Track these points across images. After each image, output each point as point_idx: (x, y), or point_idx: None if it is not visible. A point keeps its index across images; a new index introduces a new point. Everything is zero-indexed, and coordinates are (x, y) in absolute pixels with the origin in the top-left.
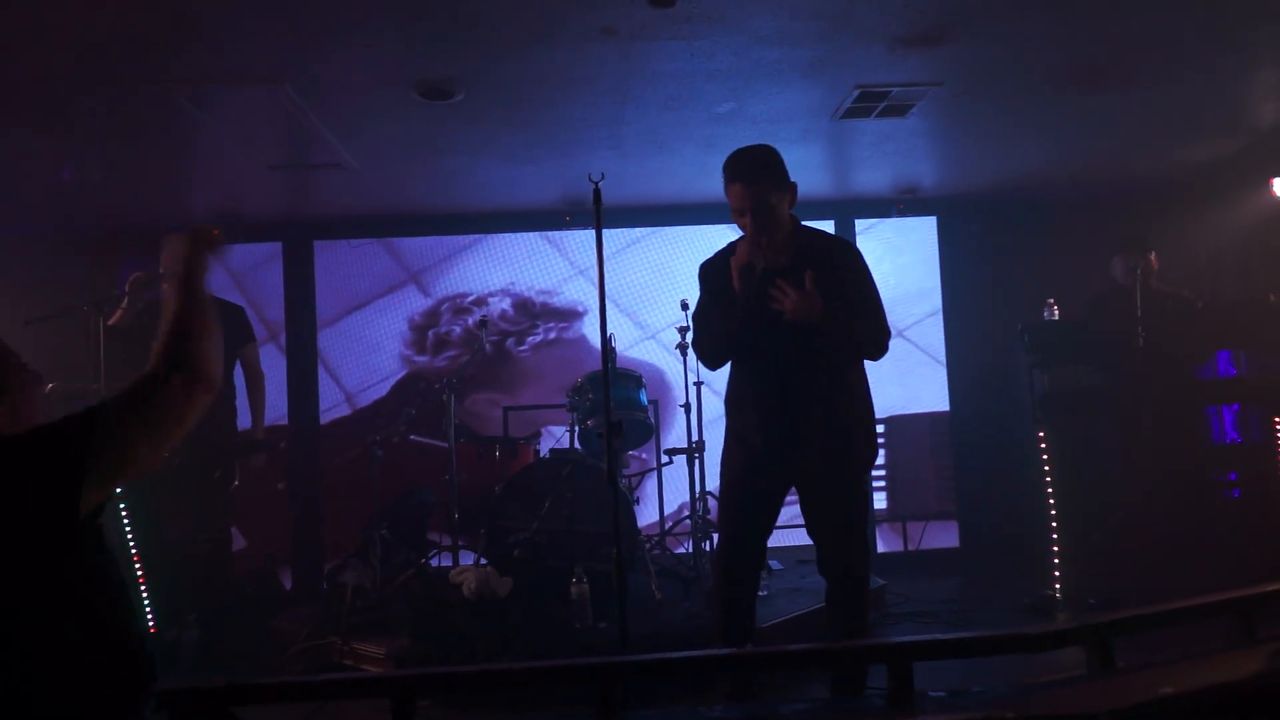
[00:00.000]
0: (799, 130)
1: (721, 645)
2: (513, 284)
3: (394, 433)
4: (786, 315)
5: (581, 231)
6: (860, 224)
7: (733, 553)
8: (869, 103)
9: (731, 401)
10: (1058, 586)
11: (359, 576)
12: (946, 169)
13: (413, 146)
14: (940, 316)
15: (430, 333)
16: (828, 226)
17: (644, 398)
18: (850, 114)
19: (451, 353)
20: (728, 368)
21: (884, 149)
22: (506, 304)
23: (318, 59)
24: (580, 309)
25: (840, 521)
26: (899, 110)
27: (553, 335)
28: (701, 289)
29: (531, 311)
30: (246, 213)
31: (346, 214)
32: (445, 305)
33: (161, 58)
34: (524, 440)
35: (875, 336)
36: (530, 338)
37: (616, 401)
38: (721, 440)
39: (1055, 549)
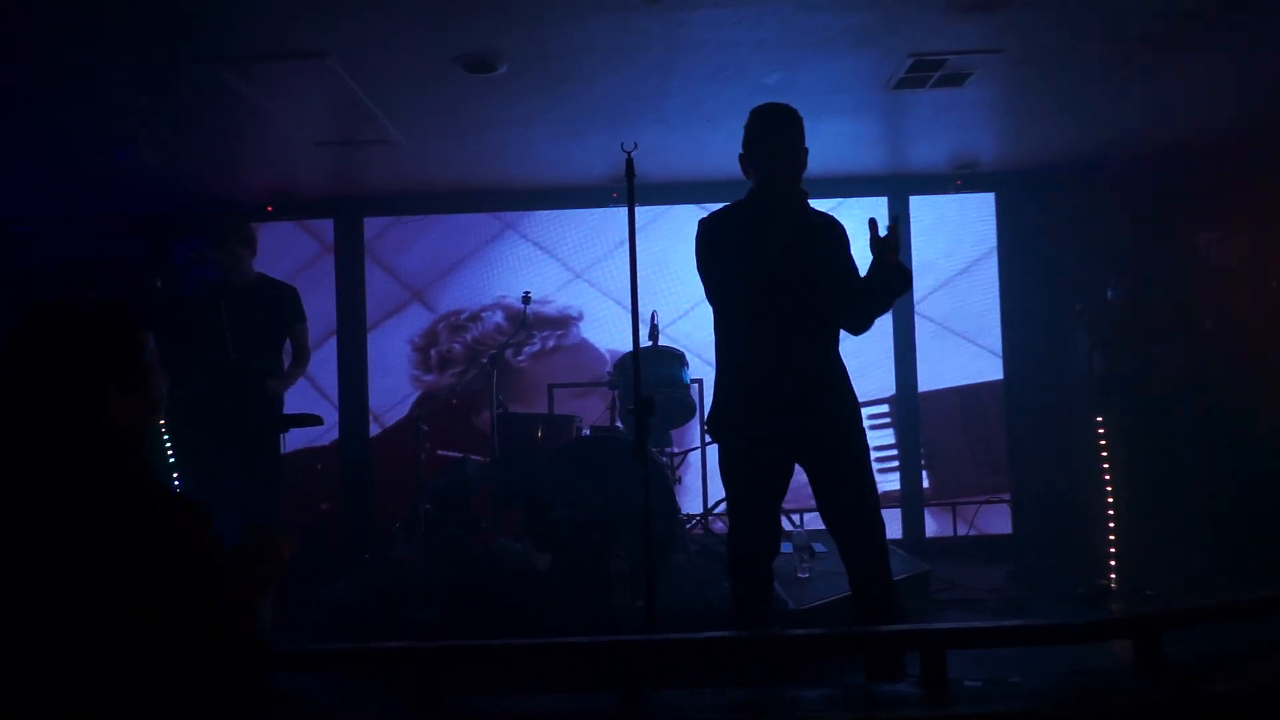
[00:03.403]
0: (851, 102)
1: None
2: (504, 296)
3: (448, 398)
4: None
5: (581, 230)
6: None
7: (751, 536)
8: (924, 72)
9: (730, 373)
10: (1113, 577)
11: (404, 549)
12: (1007, 142)
13: (458, 121)
14: (949, 289)
15: (432, 352)
16: (880, 203)
17: (687, 376)
18: (904, 84)
19: (457, 369)
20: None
21: (941, 121)
22: (499, 317)
23: (361, 32)
24: (574, 313)
25: (861, 498)
26: (955, 80)
27: (551, 344)
28: (710, 244)
29: (523, 322)
30: (298, 189)
31: (397, 190)
32: (441, 324)
33: (207, 35)
34: (566, 416)
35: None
36: (527, 348)
37: (657, 379)
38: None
39: (1111, 538)
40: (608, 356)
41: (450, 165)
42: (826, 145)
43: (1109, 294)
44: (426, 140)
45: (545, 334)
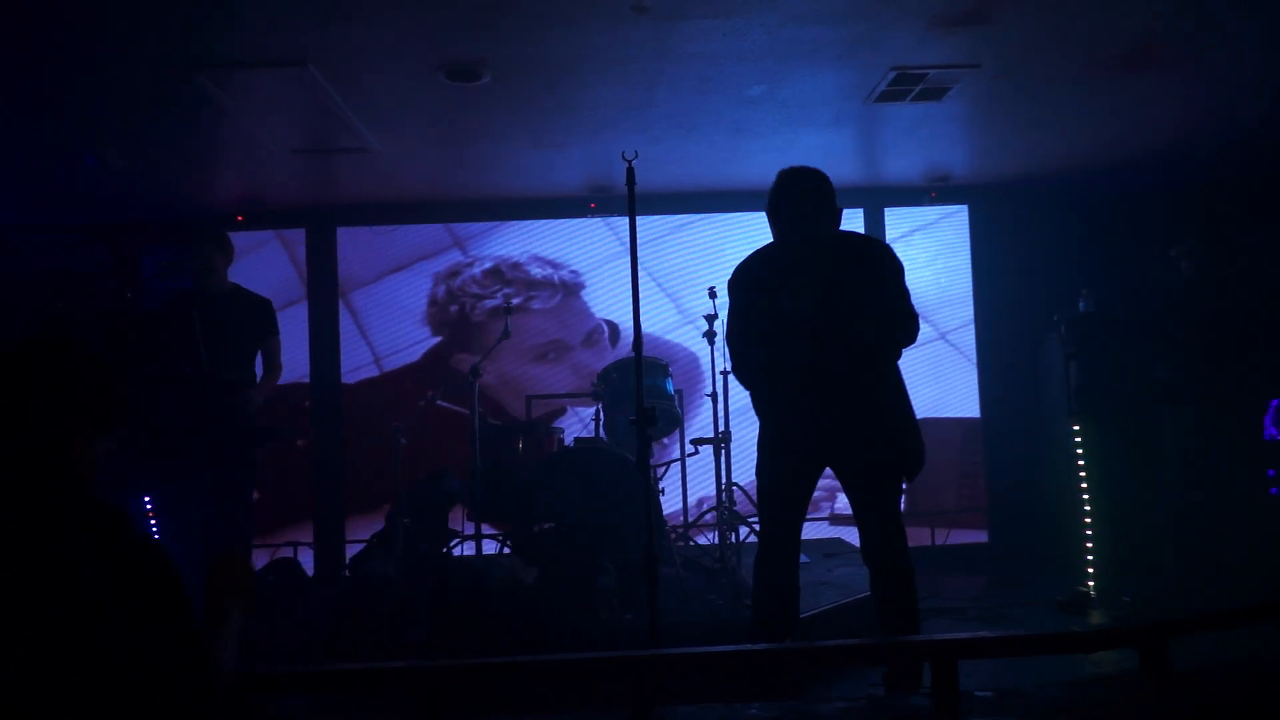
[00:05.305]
0: (831, 114)
1: (760, 637)
2: (502, 252)
3: (413, 419)
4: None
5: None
6: (895, 229)
7: (774, 541)
8: (904, 85)
9: (767, 391)
10: (1091, 584)
11: (382, 565)
12: (981, 155)
13: (439, 130)
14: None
15: (424, 295)
16: (857, 215)
17: (670, 387)
18: (885, 97)
19: (433, 310)
20: None
21: (917, 134)
22: (480, 269)
23: (342, 39)
24: (557, 280)
25: (880, 509)
26: (935, 94)
27: (517, 301)
28: (734, 301)
29: (502, 279)
30: (270, 198)
31: (371, 199)
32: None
33: (184, 40)
34: (548, 426)
35: (905, 329)
36: (487, 302)
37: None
38: (747, 431)
39: (1089, 545)
40: (620, 330)
41: (427, 175)
42: (805, 157)
43: (1080, 305)
44: (404, 149)
45: (509, 290)
